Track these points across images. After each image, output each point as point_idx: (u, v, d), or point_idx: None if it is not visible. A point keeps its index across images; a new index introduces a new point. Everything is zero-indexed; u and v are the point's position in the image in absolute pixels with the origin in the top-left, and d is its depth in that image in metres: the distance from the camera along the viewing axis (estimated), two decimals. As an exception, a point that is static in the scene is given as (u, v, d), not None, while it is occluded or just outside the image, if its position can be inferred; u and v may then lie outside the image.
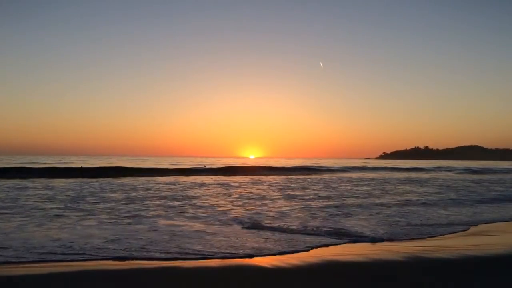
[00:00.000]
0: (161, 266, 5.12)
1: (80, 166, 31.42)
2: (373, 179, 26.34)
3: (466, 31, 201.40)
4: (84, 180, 21.60)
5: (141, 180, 22.63)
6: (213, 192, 15.81)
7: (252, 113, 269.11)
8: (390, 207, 11.49)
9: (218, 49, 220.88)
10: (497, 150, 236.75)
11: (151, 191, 15.61)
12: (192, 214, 9.63)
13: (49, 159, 59.35)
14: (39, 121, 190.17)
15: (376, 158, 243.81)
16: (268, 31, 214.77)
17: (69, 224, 8.11)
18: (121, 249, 5.97)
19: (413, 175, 34.79)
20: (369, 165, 53.73)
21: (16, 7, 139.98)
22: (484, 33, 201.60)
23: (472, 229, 8.38)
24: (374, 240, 6.97)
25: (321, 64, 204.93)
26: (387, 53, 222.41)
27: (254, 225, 8.10)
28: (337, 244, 6.59)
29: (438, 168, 49.34)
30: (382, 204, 12.01)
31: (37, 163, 42.07)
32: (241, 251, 5.94)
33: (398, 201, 13.15)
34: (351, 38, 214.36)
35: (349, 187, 19.21)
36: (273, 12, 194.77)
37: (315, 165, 48.81)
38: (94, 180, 21.53)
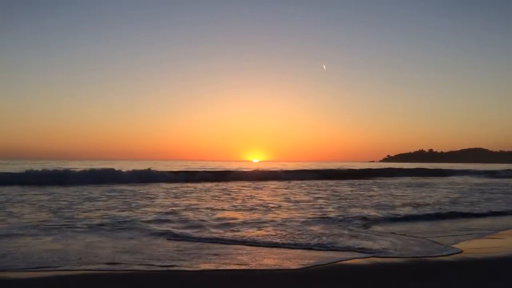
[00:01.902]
0: (162, 270, 5.05)
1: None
2: (398, 184, 25.04)
3: (470, 33, 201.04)
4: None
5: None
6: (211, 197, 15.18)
7: (255, 116, 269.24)
8: (418, 219, 9.72)
9: (221, 52, 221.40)
10: (501, 152, 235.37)
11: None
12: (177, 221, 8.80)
13: (51, 163, 58.93)
14: (39, 124, 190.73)
15: (380, 161, 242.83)
16: (272, 34, 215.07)
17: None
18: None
19: (427, 180, 32.16)
20: (392, 166, 48.43)
21: (16, 11, 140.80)
22: (489, 35, 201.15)
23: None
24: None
25: (324, 67, 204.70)
26: (390, 56, 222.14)
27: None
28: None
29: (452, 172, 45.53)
30: (411, 216, 10.03)
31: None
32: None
33: (416, 208, 12.09)
34: (354, 40, 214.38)
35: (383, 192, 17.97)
36: (276, 14, 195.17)
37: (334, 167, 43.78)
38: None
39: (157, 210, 10.72)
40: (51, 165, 42.99)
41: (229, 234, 7.40)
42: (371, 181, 29.01)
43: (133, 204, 12.15)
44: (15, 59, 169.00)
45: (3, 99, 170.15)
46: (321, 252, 6.13)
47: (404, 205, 12.63)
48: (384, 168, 44.09)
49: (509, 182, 29.29)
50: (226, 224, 8.45)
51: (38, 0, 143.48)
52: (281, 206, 12.09)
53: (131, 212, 10.15)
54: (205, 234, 7.35)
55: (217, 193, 16.49)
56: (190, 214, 9.88)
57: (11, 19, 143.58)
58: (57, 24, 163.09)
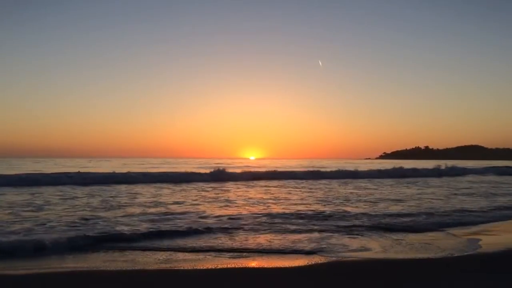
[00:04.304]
0: (160, 268, 5.04)
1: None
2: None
3: (465, 30, 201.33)
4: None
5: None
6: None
7: (252, 114, 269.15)
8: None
9: (217, 50, 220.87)
10: (497, 149, 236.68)
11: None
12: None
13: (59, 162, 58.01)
14: (39, 123, 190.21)
15: (376, 158, 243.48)
16: (268, 32, 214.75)
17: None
18: None
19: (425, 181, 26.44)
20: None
21: (17, 10, 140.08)
22: (484, 32, 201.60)
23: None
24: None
25: (320, 63, 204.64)
26: (386, 53, 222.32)
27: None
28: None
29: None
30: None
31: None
32: None
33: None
34: (351, 37, 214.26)
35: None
36: (271, 12, 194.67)
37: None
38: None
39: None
40: (57, 163, 41.88)
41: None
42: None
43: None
44: (15, 58, 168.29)
45: (3, 97, 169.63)
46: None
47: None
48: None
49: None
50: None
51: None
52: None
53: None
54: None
55: (206, 194, 16.37)
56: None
57: (11, 17, 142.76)
58: (57, 23, 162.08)
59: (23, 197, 12.97)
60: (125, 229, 7.35)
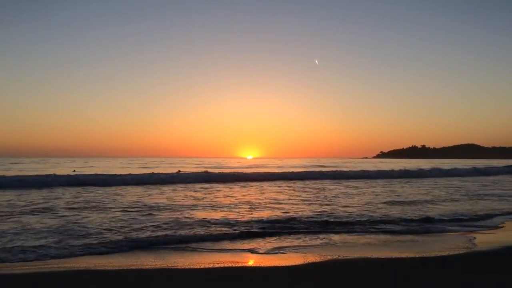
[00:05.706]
0: (157, 268, 5.06)
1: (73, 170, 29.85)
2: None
3: (461, 29, 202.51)
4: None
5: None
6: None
7: (249, 113, 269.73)
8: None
9: (217, 50, 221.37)
10: (493, 148, 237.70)
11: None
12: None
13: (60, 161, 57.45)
14: (39, 122, 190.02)
15: (373, 157, 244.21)
16: (265, 31, 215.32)
17: None
18: None
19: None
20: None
21: (17, 9, 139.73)
22: (480, 31, 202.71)
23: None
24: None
25: (316, 62, 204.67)
26: (383, 52, 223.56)
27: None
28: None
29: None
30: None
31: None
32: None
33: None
34: (347, 37, 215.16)
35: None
36: (268, 11, 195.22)
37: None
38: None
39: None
40: (55, 163, 41.38)
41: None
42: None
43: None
44: (15, 57, 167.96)
45: (3, 97, 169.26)
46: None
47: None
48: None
49: None
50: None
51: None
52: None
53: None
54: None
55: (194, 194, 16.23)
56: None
57: (12, 16, 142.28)
58: (56, 23, 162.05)
59: (5, 198, 12.78)
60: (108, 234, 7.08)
